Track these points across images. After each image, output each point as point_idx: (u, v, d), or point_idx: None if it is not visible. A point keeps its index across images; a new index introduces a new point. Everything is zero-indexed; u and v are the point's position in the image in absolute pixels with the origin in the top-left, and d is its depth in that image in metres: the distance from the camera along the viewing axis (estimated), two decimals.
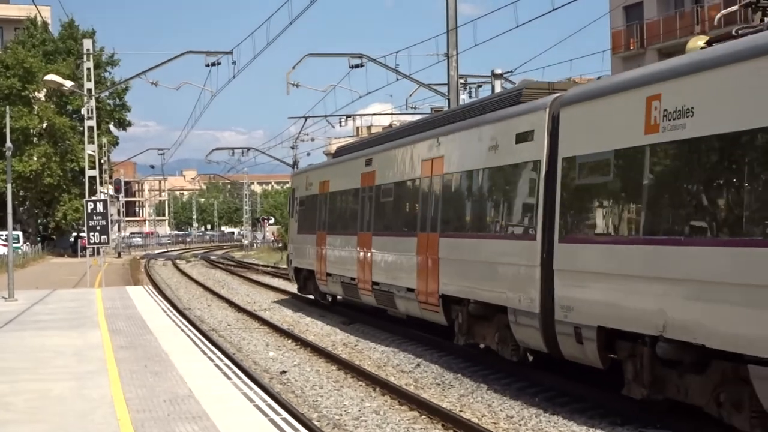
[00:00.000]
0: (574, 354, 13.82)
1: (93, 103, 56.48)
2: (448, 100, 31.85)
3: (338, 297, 28.75)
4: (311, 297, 31.07)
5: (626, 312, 12.27)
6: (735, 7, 13.89)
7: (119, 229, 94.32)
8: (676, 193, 11.57)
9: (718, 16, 20.64)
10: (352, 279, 24.79)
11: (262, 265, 61.21)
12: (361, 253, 24.11)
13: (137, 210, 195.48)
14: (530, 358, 16.31)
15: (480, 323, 17.51)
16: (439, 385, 16.61)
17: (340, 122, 60.76)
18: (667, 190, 11.78)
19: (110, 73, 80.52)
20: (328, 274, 27.25)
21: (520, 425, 13.34)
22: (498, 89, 33.38)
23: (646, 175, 12.09)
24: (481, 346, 18.13)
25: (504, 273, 15.91)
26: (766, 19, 12.18)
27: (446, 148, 18.96)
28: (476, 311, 17.24)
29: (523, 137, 15.49)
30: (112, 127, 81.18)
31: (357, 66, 38.17)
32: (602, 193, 13.28)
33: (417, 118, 39.39)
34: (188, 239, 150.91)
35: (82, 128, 62.24)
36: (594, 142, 13.34)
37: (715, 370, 11.08)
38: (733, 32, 11.82)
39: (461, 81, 37.67)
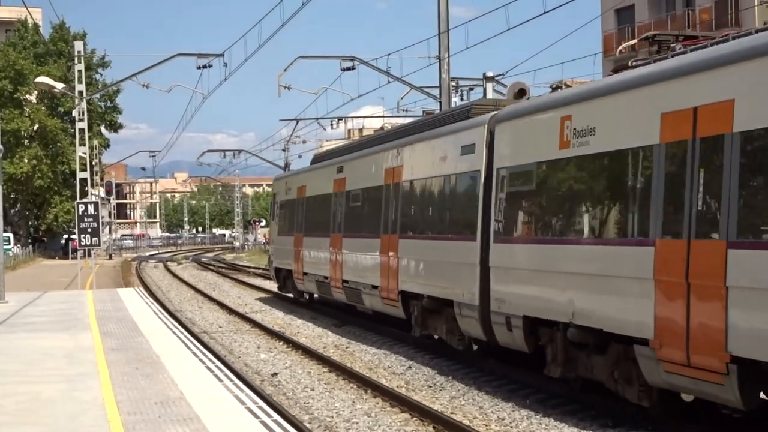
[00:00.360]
0: (506, 341, 15.78)
1: (84, 105, 56.40)
2: (440, 102, 31.86)
3: (314, 295, 30.55)
4: (290, 295, 32.77)
5: (545, 303, 14.29)
6: (634, 41, 16.71)
7: (110, 232, 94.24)
8: (581, 200, 13.79)
9: (620, 48, 22.89)
10: (325, 278, 26.53)
11: (254, 268, 61.15)
12: (333, 254, 25.89)
13: (128, 212, 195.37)
14: (474, 347, 18.31)
15: (432, 316, 19.53)
16: (430, 387, 16.62)
17: (332, 125, 60.72)
18: (574, 198, 13.97)
19: (101, 75, 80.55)
20: (305, 273, 29.18)
21: (511, 427, 13.36)
22: (489, 92, 33.33)
23: (559, 185, 14.31)
24: (436, 336, 19.98)
25: (451, 271, 17.96)
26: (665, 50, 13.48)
27: (405, 158, 20.92)
28: (429, 305, 19.28)
29: (466, 150, 17.55)
30: (103, 129, 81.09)
31: (349, 68, 38.21)
32: (526, 200, 15.37)
33: (401, 122, 39.52)
34: (179, 241, 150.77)
35: (73, 130, 62.16)
36: (521, 155, 15.48)
37: (612, 350, 12.96)
38: (629, 63, 13.59)
39: (453, 83, 37.63)
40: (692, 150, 11.04)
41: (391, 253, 21.13)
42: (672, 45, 13.39)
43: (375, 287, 22.08)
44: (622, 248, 12.29)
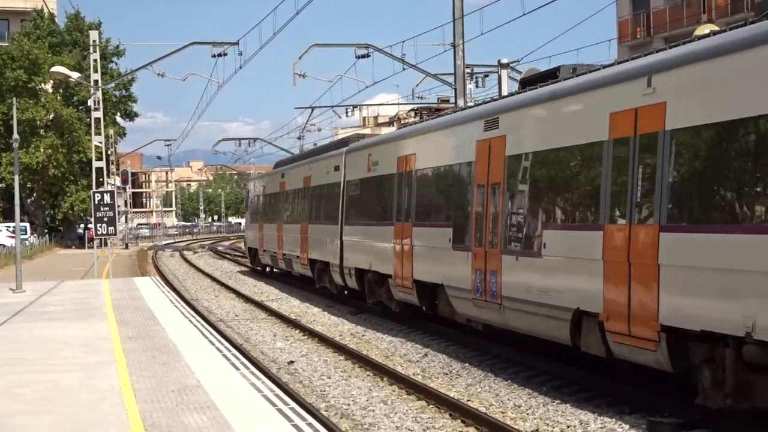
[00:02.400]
0: (349, 285, 26.72)
1: (99, 94, 56.45)
2: (455, 89, 31.78)
3: (274, 267, 41.03)
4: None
5: (364, 258, 24.66)
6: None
7: (126, 221, 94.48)
8: (378, 200, 24.02)
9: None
10: (274, 253, 37.81)
11: None
12: (278, 235, 37.11)
13: (144, 201, 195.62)
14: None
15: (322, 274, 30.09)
16: (446, 374, 16.63)
17: (347, 112, 60.67)
18: (371, 199, 24.69)
19: (116, 64, 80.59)
20: (264, 250, 40.69)
21: (527, 414, 13.36)
22: (504, 79, 33.55)
23: (364, 192, 25.34)
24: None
25: (294, 238, 33.02)
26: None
27: (312, 171, 32.12)
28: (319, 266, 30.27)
29: (335, 168, 28.36)
30: (118, 118, 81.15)
31: (363, 56, 38.07)
32: (355, 199, 26.07)
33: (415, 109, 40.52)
34: (195, 230, 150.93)
35: (88, 119, 62.26)
36: (354, 174, 26.25)
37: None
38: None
39: (468, 70, 37.58)
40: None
41: (302, 233, 32.38)
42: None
43: (298, 257, 33.04)
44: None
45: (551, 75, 16.22)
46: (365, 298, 25.10)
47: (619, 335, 12.58)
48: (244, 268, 49.25)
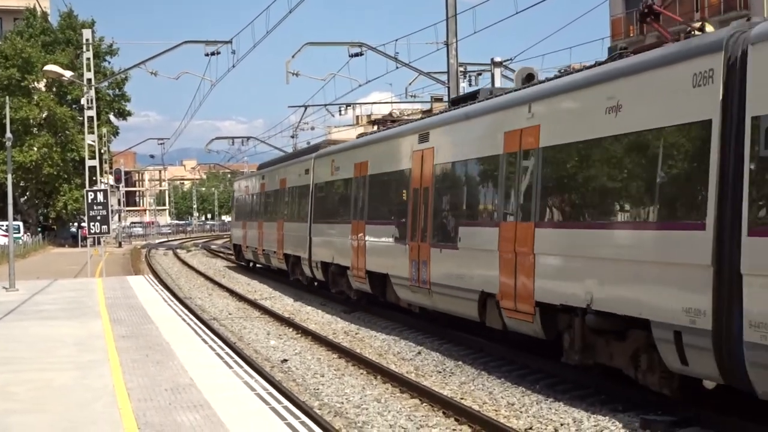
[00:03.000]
0: (317, 277, 29.53)
1: (93, 93, 56.33)
2: (448, 88, 31.84)
3: (256, 262, 43.91)
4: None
5: (328, 253, 27.50)
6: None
7: (120, 219, 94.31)
8: (339, 201, 27.10)
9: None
10: (255, 248, 41.23)
11: None
12: (258, 233, 40.46)
13: (138, 200, 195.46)
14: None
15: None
16: (440, 372, 16.65)
17: (340, 111, 60.66)
18: (334, 200, 27.80)
19: (109, 63, 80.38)
20: (246, 246, 44.06)
21: (521, 412, 13.38)
22: (498, 77, 33.61)
23: (328, 194, 28.31)
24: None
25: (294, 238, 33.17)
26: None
27: (287, 174, 35.24)
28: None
29: (305, 172, 31.56)
30: (112, 117, 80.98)
31: (356, 54, 38.06)
32: (321, 200, 29.08)
33: (409, 107, 40.64)
34: (189, 229, 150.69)
35: (82, 118, 62.13)
36: (320, 177, 29.34)
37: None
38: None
39: (461, 69, 37.60)
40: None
41: (278, 230, 35.59)
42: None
43: (275, 252, 36.14)
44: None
45: (472, 96, 19.88)
46: (329, 288, 28.29)
47: (510, 311, 15.56)
48: (236, 267, 49.23)
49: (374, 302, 25.03)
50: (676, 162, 11.87)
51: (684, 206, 11.54)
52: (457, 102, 20.84)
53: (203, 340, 17.01)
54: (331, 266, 27.37)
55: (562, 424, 12.52)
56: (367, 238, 23.56)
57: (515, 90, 17.22)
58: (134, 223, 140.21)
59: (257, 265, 44.61)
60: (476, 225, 17.30)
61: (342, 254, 25.81)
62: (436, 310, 19.95)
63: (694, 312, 10.99)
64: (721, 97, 10.78)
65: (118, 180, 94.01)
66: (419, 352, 18.77)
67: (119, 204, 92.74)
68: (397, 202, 21.71)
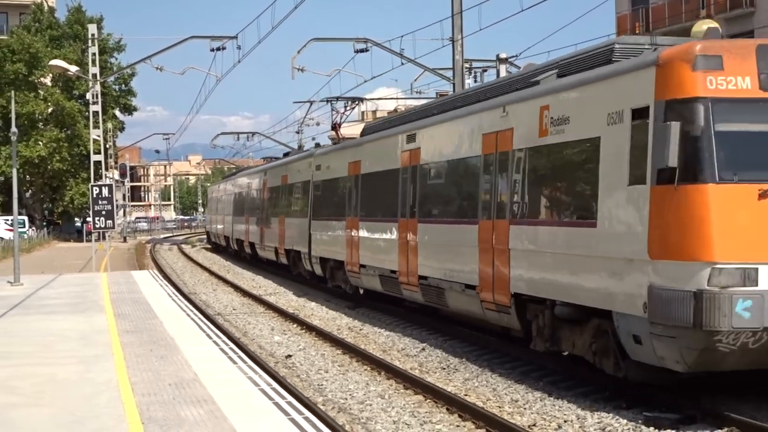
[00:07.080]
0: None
1: (98, 88, 56.36)
2: (453, 84, 31.79)
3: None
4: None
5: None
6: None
7: (125, 214, 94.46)
8: (336, 198, 27.71)
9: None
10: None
11: None
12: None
13: (143, 195, 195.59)
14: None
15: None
16: (444, 369, 16.64)
17: (346, 107, 60.49)
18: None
19: (116, 58, 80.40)
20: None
21: (524, 409, 13.37)
22: (503, 73, 33.61)
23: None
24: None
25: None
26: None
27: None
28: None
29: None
30: (117, 112, 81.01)
31: (362, 50, 38.06)
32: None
33: (414, 104, 40.99)
34: (194, 224, 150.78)
35: (88, 113, 62.15)
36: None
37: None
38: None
39: (466, 65, 37.53)
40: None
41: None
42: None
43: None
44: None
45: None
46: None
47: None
48: (242, 262, 49.26)
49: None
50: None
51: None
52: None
53: (207, 335, 17.01)
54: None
55: (565, 421, 12.51)
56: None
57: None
58: (139, 218, 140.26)
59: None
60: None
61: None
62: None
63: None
64: None
65: (123, 175, 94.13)
66: (423, 349, 18.76)
67: (124, 199, 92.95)
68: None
